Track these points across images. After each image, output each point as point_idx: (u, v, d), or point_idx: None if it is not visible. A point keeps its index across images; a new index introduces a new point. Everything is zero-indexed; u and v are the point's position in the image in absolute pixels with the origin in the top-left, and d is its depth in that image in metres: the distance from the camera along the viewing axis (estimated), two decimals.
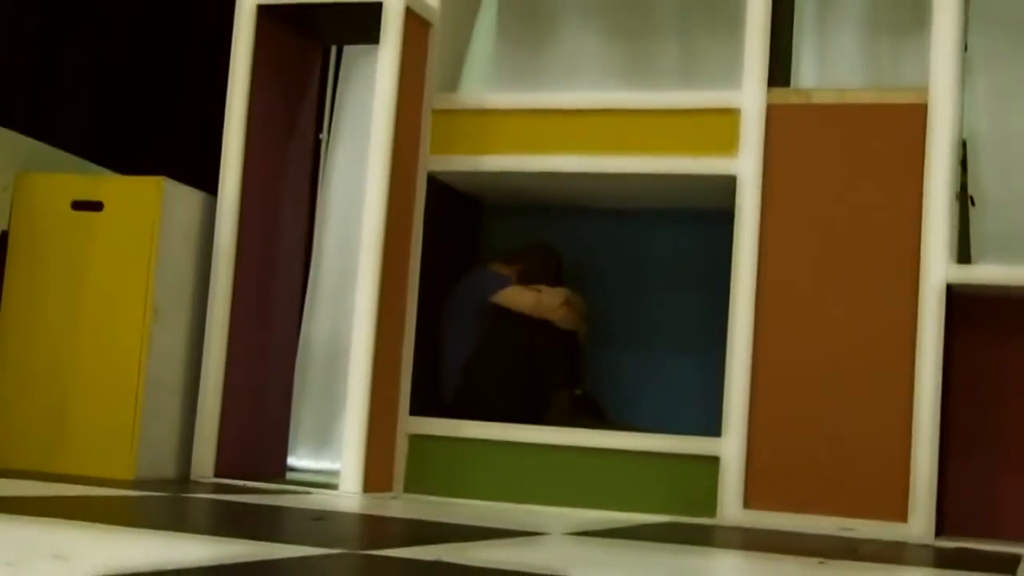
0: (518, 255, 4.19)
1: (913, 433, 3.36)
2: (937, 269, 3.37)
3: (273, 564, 1.75)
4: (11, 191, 3.77)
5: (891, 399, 3.40)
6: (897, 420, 3.39)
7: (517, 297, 4.03)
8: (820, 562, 2.42)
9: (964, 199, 3.73)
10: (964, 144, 3.78)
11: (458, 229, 4.28)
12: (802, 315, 3.50)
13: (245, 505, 2.89)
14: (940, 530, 3.41)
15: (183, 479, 3.72)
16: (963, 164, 3.71)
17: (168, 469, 3.74)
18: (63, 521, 2.17)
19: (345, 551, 2.03)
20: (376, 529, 2.53)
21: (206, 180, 3.94)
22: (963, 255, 3.70)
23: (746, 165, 3.58)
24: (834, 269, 3.49)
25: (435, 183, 3.99)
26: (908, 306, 3.40)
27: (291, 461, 4.62)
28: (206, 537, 2.10)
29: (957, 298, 3.52)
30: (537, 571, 1.91)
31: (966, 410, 3.55)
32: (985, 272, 3.40)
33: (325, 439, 5.45)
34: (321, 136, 5.50)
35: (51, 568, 1.53)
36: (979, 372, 3.55)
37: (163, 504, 2.76)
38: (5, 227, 3.77)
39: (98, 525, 2.14)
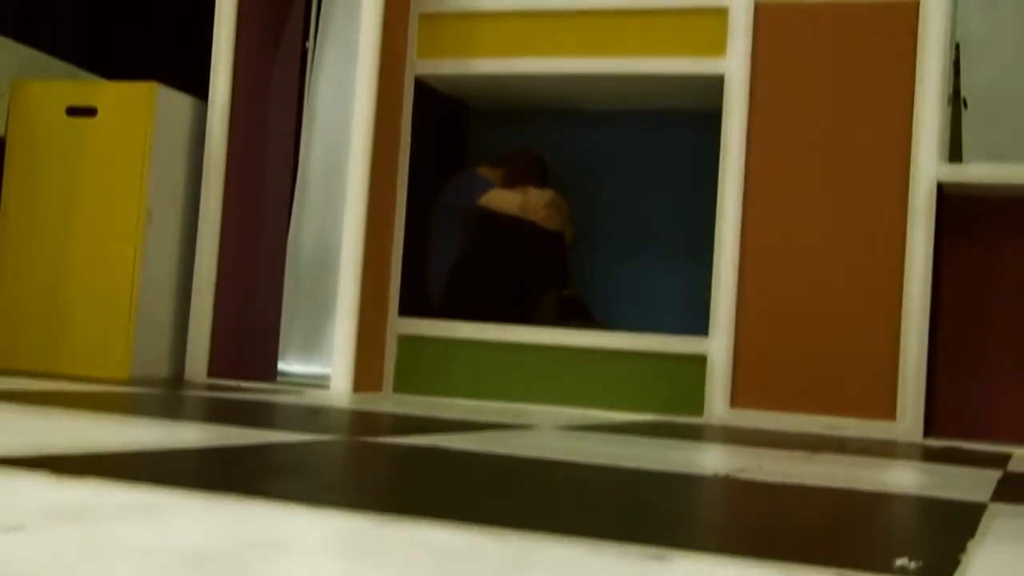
0: (504, 159, 4.17)
1: (902, 332, 3.35)
2: (927, 168, 3.35)
3: (271, 447, 1.74)
4: (7, 98, 3.75)
5: (880, 298, 3.39)
6: (886, 319, 3.38)
7: (503, 199, 4.01)
8: (808, 455, 2.41)
9: (956, 102, 3.70)
10: (957, 47, 3.74)
11: (445, 133, 4.25)
12: (790, 215, 3.48)
13: (240, 401, 2.88)
14: (928, 431, 3.41)
15: (177, 379, 3.72)
16: (956, 67, 3.67)
17: (162, 370, 3.74)
18: (63, 410, 2.16)
19: (342, 437, 2.02)
20: (371, 421, 2.52)
21: (196, 87, 3.92)
22: (954, 157, 3.68)
23: (734, 65, 3.54)
24: (823, 169, 3.47)
25: (422, 87, 3.96)
26: (898, 205, 3.39)
27: (280, 366, 4.61)
28: (203, 424, 2.09)
29: (947, 198, 3.50)
30: (531, 455, 1.91)
31: (955, 309, 3.55)
32: (975, 171, 3.38)
33: (314, 344, 5.45)
34: (308, 45, 5.46)
35: (62, 442, 1.52)
36: (969, 271, 3.54)
37: (159, 399, 2.75)
38: (2, 133, 3.76)
39: (97, 414, 2.13)
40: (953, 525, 1.38)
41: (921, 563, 1.05)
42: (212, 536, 0.95)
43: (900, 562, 1.04)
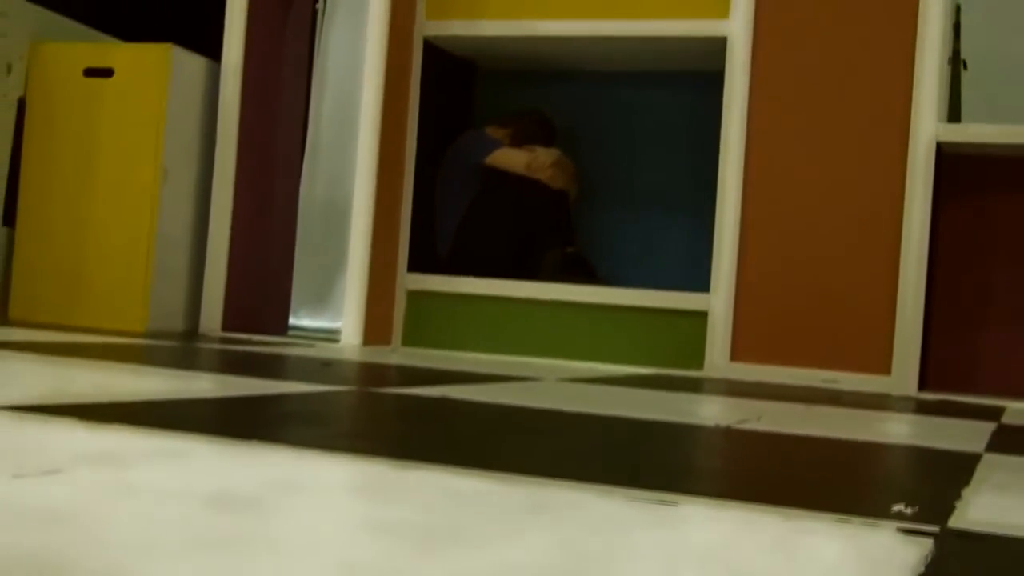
0: (511, 119, 4.17)
1: (899, 288, 3.36)
2: (927, 128, 3.35)
3: (287, 397, 1.76)
4: (26, 60, 3.76)
5: (878, 256, 3.40)
6: (883, 276, 3.39)
7: (509, 158, 4.02)
8: (806, 407, 2.43)
9: (956, 63, 3.70)
10: (958, 9, 3.74)
11: (453, 93, 4.25)
12: (791, 173, 3.49)
13: (253, 354, 2.89)
14: (922, 385, 3.42)
15: (192, 333, 3.74)
16: (956, 29, 3.67)
17: (177, 323, 3.76)
18: (86, 361, 2.17)
19: (353, 388, 2.03)
20: (381, 373, 2.53)
21: (209, 48, 3.92)
22: (953, 117, 3.68)
23: (736, 27, 3.54)
24: (824, 129, 3.47)
25: (431, 48, 3.96)
26: (897, 165, 3.39)
27: (291, 321, 4.63)
28: (220, 375, 2.11)
29: (946, 157, 3.50)
30: (538, 406, 1.93)
31: (951, 266, 3.56)
32: (974, 131, 3.37)
33: (324, 299, 5.46)
34: (318, 6, 5.46)
35: (87, 391, 1.54)
36: (965, 229, 3.55)
37: (177, 351, 2.77)
38: (21, 94, 3.76)
39: (118, 365, 2.15)
40: (948, 474, 1.40)
41: (917, 508, 1.06)
42: (235, 478, 0.97)
43: (897, 508, 1.06)
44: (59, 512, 0.78)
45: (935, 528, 0.97)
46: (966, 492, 1.22)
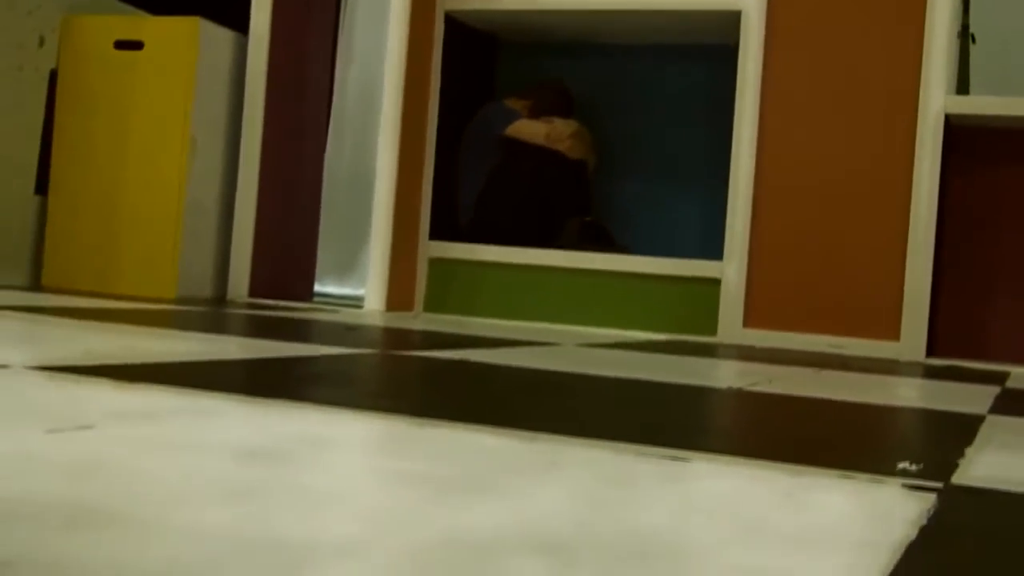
0: (531, 91, 4.17)
1: (907, 256, 3.36)
2: (936, 100, 3.35)
3: (312, 359, 1.77)
4: (58, 33, 3.77)
5: (887, 226, 3.40)
6: (892, 244, 3.39)
7: (529, 129, 4.02)
8: (816, 371, 2.44)
9: (965, 37, 3.68)
10: None
11: (475, 66, 4.25)
12: (803, 145, 3.49)
13: (280, 318, 2.91)
14: (930, 351, 3.42)
15: (220, 299, 3.75)
16: (965, 3, 3.66)
17: (206, 290, 3.77)
18: (117, 325, 2.19)
19: (376, 351, 2.04)
20: (403, 337, 2.55)
21: (236, 21, 3.93)
22: (962, 90, 3.67)
23: (751, 1, 3.54)
24: (835, 101, 3.47)
25: (453, 21, 3.96)
26: (907, 136, 3.39)
27: (316, 288, 4.64)
28: (247, 339, 2.12)
29: (954, 129, 3.50)
30: (556, 369, 1.94)
31: (959, 235, 3.55)
32: (982, 103, 3.36)
33: (348, 267, 5.48)
34: None
35: (119, 353, 1.55)
36: (973, 201, 3.55)
37: (206, 316, 2.78)
38: (53, 66, 3.77)
39: (149, 328, 2.16)
40: (953, 434, 1.41)
41: (922, 466, 1.07)
42: (263, 434, 0.98)
43: (902, 465, 1.07)
44: (92, 464, 0.80)
45: (939, 484, 0.97)
46: (969, 451, 1.22)
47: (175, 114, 3.68)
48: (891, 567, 0.66)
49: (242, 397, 1.21)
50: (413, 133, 3.78)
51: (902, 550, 0.70)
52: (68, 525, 0.62)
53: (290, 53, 3.97)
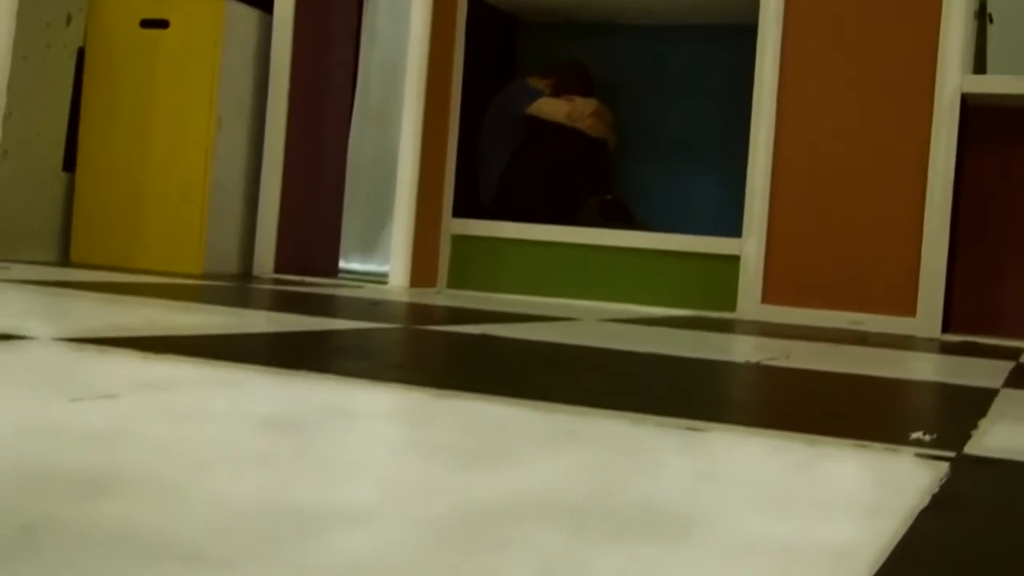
0: (552, 70, 4.16)
1: (924, 234, 3.34)
2: (952, 79, 3.33)
3: (336, 333, 1.77)
4: (85, 11, 3.77)
5: (904, 203, 3.38)
6: (909, 222, 3.38)
7: (550, 107, 4.02)
8: (833, 346, 2.43)
9: (982, 17, 3.66)
10: None
11: (497, 45, 4.25)
12: (821, 124, 3.47)
13: (305, 294, 2.91)
14: (946, 328, 3.41)
15: (246, 275, 3.76)
16: None
17: (232, 266, 3.78)
18: (143, 299, 2.19)
19: (400, 325, 2.05)
20: (426, 312, 2.55)
21: (260, 1, 3.93)
22: (979, 69, 3.65)
23: None
24: (853, 80, 3.45)
25: (474, 2, 3.96)
26: (923, 115, 3.37)
27: (340, 264, 4.65)
28: (272, 313, 2.12)
29: (972, 109, 3.48)
30: (577, 343, 1.94)
31: (975, 213, 3.54)
32: (999, 82, 3.34)
33: (371, 244, 5.48)
34: None
35: (145, 325, 1.55)
36: (988, 178, 3.53)
37: (231, 291, 2.79)
38: (81, 44, 3.78)
39: (175, 302, 2.17)
40: (966, 406, 1.40)
41: (935, 436, 1.07)
42: (286, 404, 0.98)
43: (915, 435, 1.06)
44: (115, 432, 0.80)
45: (951, 453, 0.97)
46: (983, 422, 1.22)
47: (201, 93, 3.68)
48: (903, 533, 0.65)
49: (266, 368, 1.22)
50: (436, 112, 3.77)
51: (914, 517, 0.70)
52: (90, 492, 0.62)
53: (314, 33, 3.97)
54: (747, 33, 3.80)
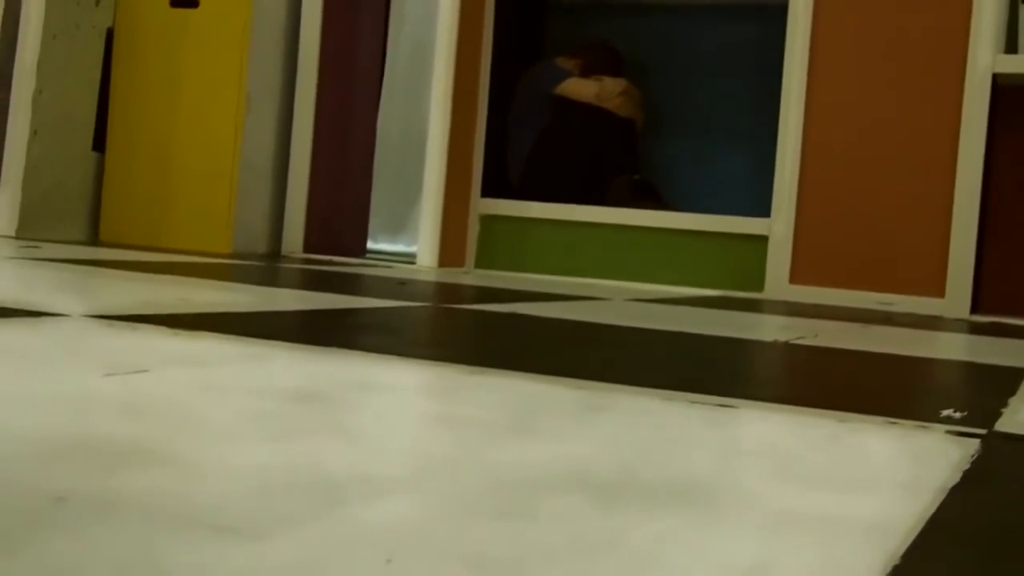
0: (581, 50, 4.15)
1: (953, 214, 3.33)
2: (984, 59, 3.31)
3: (365, 311, 1.77)
4: None
5: (934, 182, 3.37)
6: (938, 202, 3.36)
7: (579, 87, 4.01)
8: (862, 326, 2.42)
9: None
10: None
11: (526, 25, 4.24)
12: (850, 103, 3.46)
13: (333, 273, 2.92)
14: (975, 308, 3.40)
15: (274, 254, 3.77)
16: None
17: (260, 245, 3.79)
18: (173, 277, 2.20)
19: (428, 304, 2.05)
20: (455, 291, 2.55)
21: None
22: (1010, 49, 3.62)
23: None
24: (884, 59, 3.43)
25: None
26: (954, 94, 3.35)
27: (368, 244, 4.65)
28: (301, 291, 2.13)
29: (1002, 88, 3.46)
30: (605, 321, 1.93)
31: (1005, 193, 3.52)
32: None
33: (400, 225, 5.48)
34: None
35: (175, 303, 1.56)
36: (1020, 160, 3.51)
37: (260, 270, 2.79)
38: (110, 24, 3.78)
39: (204, 280, 2.17)
40: (996, 385, 1.40)
41: (966, 413, 1.06)
42: (316, 379, 0.98)
43: (946, 412, 1.06)
44: (146, 405, 0.80)
45: (982, 431, 0.97)
46: (1013, 400, 1.21)
47: (230, 72, 3.68)
48: (935, 508, 0.65)
49: (296, 345, 1.22)
50: (465, 92, 3.77)
51: (945, 492, 0.70)
52: (121, 463, 0.62)
53: (343, 12, 3.96)
54: (775, 12, 3.78)
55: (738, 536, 0.56)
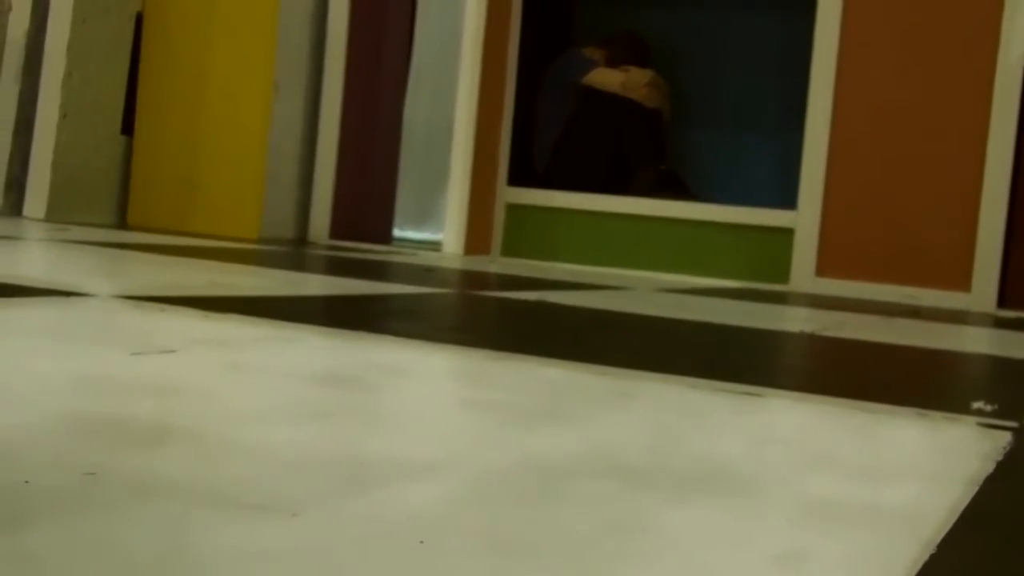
0: (607, 41, 4.14)
1: (981, 208, 3.31)
2: (1014, 51, 3.28)
3: (392, 296, 1.77)
4: None
5: (962, 177, 3.35)
6: (966, 197, 3.34)
7: (605, 77, 3.99)
8: (888, 319, 2.41)
9: None
10: None
11: (553, 15, 4.23)
12: (879, 95, 3.44)
13: (360, 259, 2.91)
14: (1001, 303, 3.38)
15: (301, 240, 3.77)
16: None
17: (287, 231, 3.78)
18: (202, 261, 2.20)
19: (454, 291, 2.04)
20: (480, 279, 2.54)
21: None
22: None
23: None
24: (912, 50, 3.41)
25: None
26: (983, 86, 3.33)
27: (395, 232, 4.65)
28: (328, 277, 2.13)
29: None
30: (631, 311, 1.93)
31: None
32: None
33: (426, 212, 5.48)
34: None
35: (204, 286, 1.56)
36: None
37: (288, 255, 2.79)
38: (140, 9, 3.78)
39: (233, 265, 2.17)
40: None
41: (996, 406, 1.05)
42: (342, 361, 0.98)
43: (977, 405, 1.05)
44: (173, 385, 0.80)
45: (1013, 423, 0.96)
46: None
47: (258, 59, 3.68)
48: (968, 499, 0.64)
49: (323, 328, 1.21)
50: (492, 81, 3.76)
51: (979, 483, 0.69)
52: (153, 441, 0.62)
53: (371, 1, 3.96)
54: (804, 3, 3.76)
55: (772, 523, 0.56)
